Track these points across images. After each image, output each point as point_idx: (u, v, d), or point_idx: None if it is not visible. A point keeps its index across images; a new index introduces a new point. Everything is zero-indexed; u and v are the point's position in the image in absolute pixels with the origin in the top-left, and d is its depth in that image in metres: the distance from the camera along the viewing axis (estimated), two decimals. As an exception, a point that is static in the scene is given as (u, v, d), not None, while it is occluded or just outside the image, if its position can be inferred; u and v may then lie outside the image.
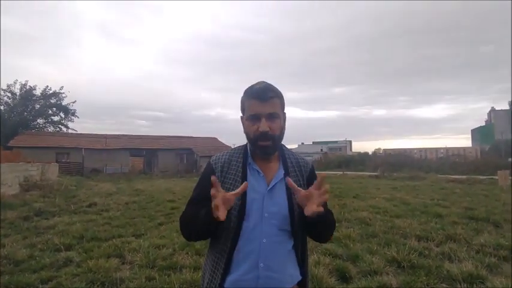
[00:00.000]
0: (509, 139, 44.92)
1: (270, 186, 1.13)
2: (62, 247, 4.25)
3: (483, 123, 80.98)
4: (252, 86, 1.16)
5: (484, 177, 16.77)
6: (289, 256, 1.13)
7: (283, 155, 1.21)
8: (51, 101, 33.52)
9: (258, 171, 1.15)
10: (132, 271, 3.47)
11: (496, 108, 73.42)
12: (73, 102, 34.44)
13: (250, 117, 1.13)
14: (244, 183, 1.02)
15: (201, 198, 1.14)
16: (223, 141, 37.56)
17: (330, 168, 31.85)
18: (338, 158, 40.65)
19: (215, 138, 38.24)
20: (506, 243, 4.22)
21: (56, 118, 34.40)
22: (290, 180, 1.04)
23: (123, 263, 3.74)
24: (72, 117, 34.89)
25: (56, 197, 9.35)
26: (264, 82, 1.17)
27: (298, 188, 1.04)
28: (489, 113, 78.58)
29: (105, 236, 4.90)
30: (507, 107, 62.12)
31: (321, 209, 0.97)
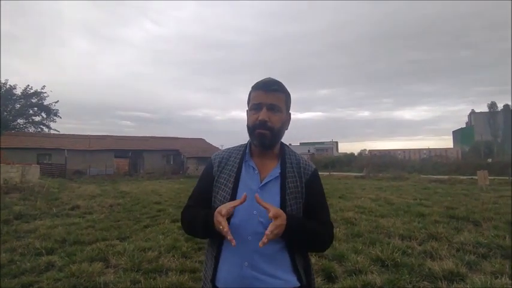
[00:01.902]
0: (488, 141, 46.57)
1: (263, 183, 1.11)
2: (43, 251, 4.14)
3: (464, 125, 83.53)
4: (261, 80, 1.18)
5: (465, 177, 17.33)
6: (280, 258, 1.07)
7: (284, 154, 1.19)
8: (32, 100, 32.62)
9: (253, 167, 1.15)
10: (116, 275, 3.41)
11: (476, 111, 75.90)
12: (55, 102, 33.65)
13: (252, 107, 1.15)
14: (243, 195, 1.01)
15: (200, 193, 1.21)
16: (211, 142, 37.43)
17: (317, 169, 32.17)
18: (325, 159, 41.11)
19: (202, 139, 38.02)
20: (485, 241, 4.37)
21: (37, 118, 33.53)
22: (257, 197, 1.02)
23: (107, 267, 3.67)
24: (54, 118, 34.12)
25: (37, 199, 9.07)
26: (271, 77, 1.18)
27: (268, 205, 1.01)
28: (469, 116, 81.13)
29: (88, 240, 4.80)
30: (486, 110, 64.40)
31: (269, 237, 0.95)
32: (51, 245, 4.42)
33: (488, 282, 2.95)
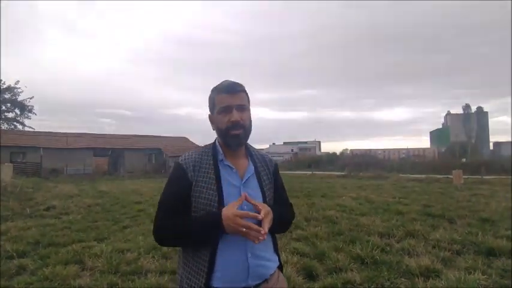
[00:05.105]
0: (463, 141, 48.55)
1: (244, 180, 1.19)
2: (14, 254, 3.95)
3: (440, 126, 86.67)
4: (219, 83, 1.21)
5: (441, 176, 17.92)
6: (269, 243, 1.22)
7: (250, 152, 1.28)
8: (5, 96, 31.21)
9: (230, 166, 1.19)
10: (92, 278, 3.31)
11: (452, 112, 78.91)
12: (30, 98, 32.31)
13: (221, 110, 1.17)
14: (242, 194, 1.10)
15: (176, 201, 1.14)
16: (194, 141, 36.98)
17: (300, 169, 32.53)
18: (308, 158, 41.61)
19: (186, 138, 37.53)
20: (459, 238, 4.53)
21: (10, 115, 32.12)
22: (247, 196, 1.10)
23: (83, 270, 3.55)
24: (29, 114, 32.77)
25: (10, 199, 8.67)
26: (229, 80, 1.22)
27: (258, 203, 1.11)
28: (445, 117, 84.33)
29: (63, 241, 4.64)
30: (461, 112, 67.10)
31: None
32: (23, 248, 4.25)
33: (462, 278, 3.04)
